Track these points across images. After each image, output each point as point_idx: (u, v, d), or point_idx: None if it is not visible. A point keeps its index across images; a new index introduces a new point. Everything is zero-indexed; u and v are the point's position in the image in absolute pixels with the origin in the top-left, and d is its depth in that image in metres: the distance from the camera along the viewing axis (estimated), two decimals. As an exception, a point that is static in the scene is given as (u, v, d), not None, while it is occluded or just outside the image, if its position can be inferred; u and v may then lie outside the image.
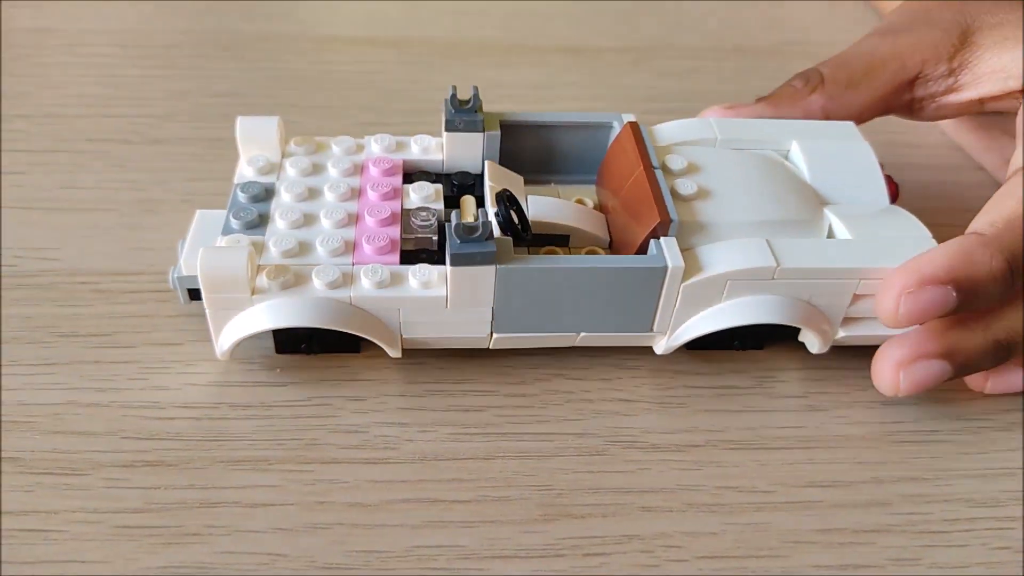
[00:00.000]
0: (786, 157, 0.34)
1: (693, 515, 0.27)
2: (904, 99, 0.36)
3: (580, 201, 0.33)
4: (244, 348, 0.30)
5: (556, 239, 0.31)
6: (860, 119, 0.35)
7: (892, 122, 0.37)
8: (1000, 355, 0.29)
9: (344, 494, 0.27)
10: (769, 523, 0.27)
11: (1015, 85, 0.34)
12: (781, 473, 0.29)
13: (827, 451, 0.29)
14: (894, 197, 0.32)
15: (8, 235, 0.35)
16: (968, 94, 0.35)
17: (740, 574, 0.26)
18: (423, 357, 0.31)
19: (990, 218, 0.28)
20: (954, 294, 0.27)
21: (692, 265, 0.28)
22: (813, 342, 0.31)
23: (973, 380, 0.31)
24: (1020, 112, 0.33)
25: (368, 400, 0.30)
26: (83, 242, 0.34)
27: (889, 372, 0.29)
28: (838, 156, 0.33)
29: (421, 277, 0.28)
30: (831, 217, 0.31)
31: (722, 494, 0.28)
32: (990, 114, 0.37)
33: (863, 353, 0.32)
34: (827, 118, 0.35)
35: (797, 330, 0.31)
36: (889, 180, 0.33)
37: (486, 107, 0.33)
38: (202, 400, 0.29)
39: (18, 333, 0.31)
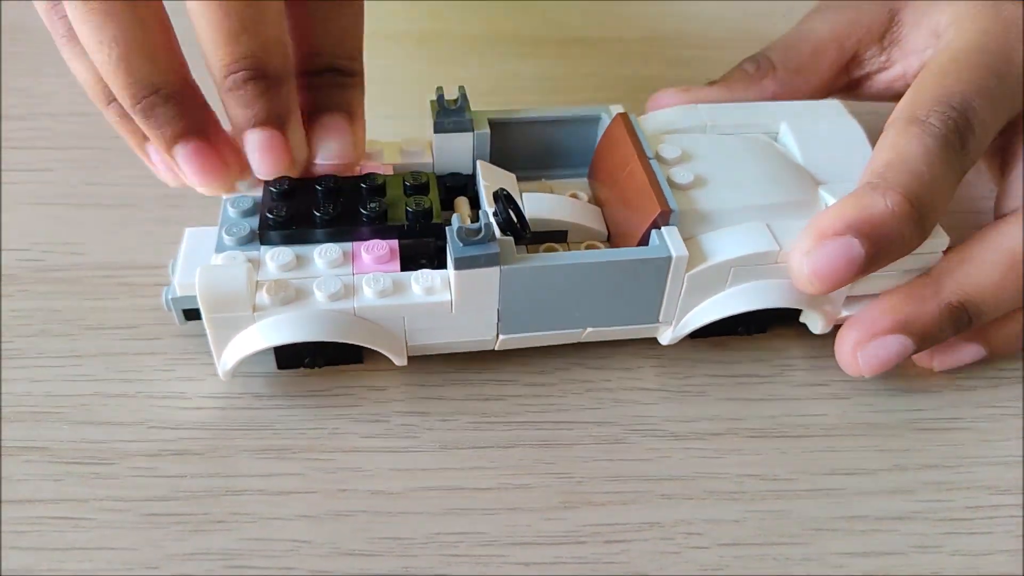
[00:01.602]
0: (776, 139, 0.33)
1: (714, 503, 0.27)
2: (844, 80, 0.36)
3: (574, 195, 0.33)
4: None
5: (554, 235, 0.31)
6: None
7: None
8: (959, 322, 0.29)
9: (367, 482, 0.27)
10: (791, 511, 0.27)
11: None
12: (802, 461, 0.28)
13: (849, 439, 0.29)
14: None
15: (36, 230, 0.35)
16: (897, 70, 0.35)
17: (762, 561, 0.26)
18: (443, 347, 0.31)
19: (872, 168, 0.28)
20: (857, 242, 0.26)
21: (695, 254, 0.28)
22: (816, 323, 0.31)
23: (920, 358, 0.31)
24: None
25: (389, 389, 0.30)
26: (109, 237, 0.35)
27: (848, 355, 0.29)
28: (828, 135, 0.33)
29: (424, 283, 0.27)
30: (826, 197, 0.30)
31: (743, 482, 0.28)
32: None
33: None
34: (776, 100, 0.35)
35: (798, 312, 0.31)
36: None
37: (507, 100, 0.33)
38: (226, 390, 0.29)
39: (46, 326, 0.31)
